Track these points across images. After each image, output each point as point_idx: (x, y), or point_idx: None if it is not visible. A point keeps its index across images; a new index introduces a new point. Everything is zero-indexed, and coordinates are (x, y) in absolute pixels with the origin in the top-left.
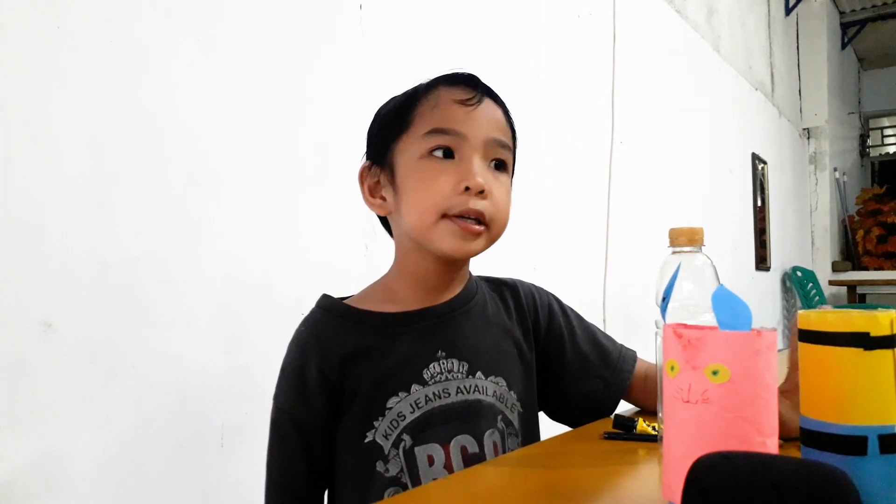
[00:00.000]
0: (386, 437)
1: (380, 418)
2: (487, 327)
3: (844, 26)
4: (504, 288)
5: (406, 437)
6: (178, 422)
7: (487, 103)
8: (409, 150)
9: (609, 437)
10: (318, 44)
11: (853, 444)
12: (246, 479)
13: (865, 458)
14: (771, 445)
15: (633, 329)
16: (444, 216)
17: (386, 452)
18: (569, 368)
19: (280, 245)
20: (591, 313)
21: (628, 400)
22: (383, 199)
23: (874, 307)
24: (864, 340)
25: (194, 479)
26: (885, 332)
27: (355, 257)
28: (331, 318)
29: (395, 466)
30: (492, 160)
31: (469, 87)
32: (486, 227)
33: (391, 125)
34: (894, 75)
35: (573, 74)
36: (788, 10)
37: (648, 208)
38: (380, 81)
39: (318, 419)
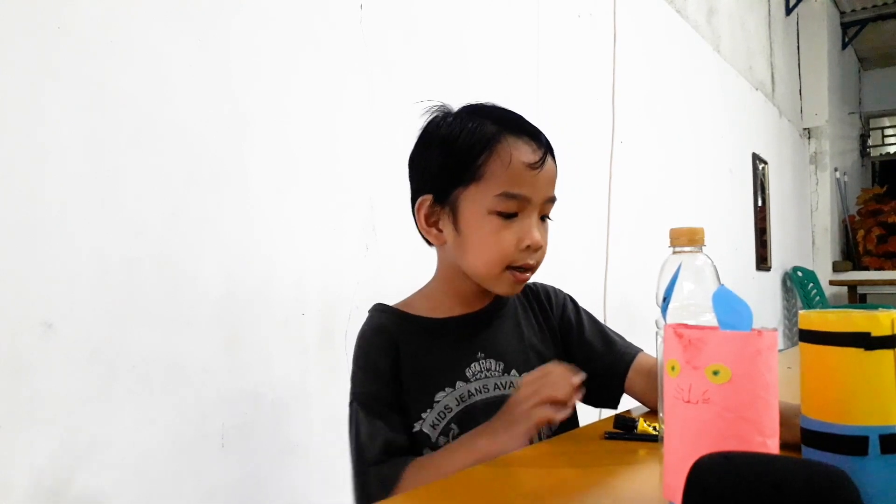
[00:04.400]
0: (433, 426)
1: (428, 410)
2: (519, 330)
3: (845, 26)
4: (530, 292)
5: (454, 426)
6: (178, 422)
7: (548, 161)
8: (477, 202)
9: (609, 437)
10: (318, 44)
11: (854, 444)
12: (246, 479)
13: (866, 458)
14: (771, 445)
15: (634, 329)
16: (507, 268)
17: (434, 440)
18: (576, 355)
19: (280, 245)
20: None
21: (633, 394)
22: (439, 230)
23: (875, 307)
24: (864, 340)
25: (194, 479)
26: (886, 332)
27: (355, 257)
28: (387, 316)
29: None
30: (541, 214)
31: (535, 142)
32: (532, 271)
33: (458, 171)
34: (894, 75)
35: (573, 74)
36: (789, 10)
37: (649, 208)
38: (379, 82)
39: (394, 389)
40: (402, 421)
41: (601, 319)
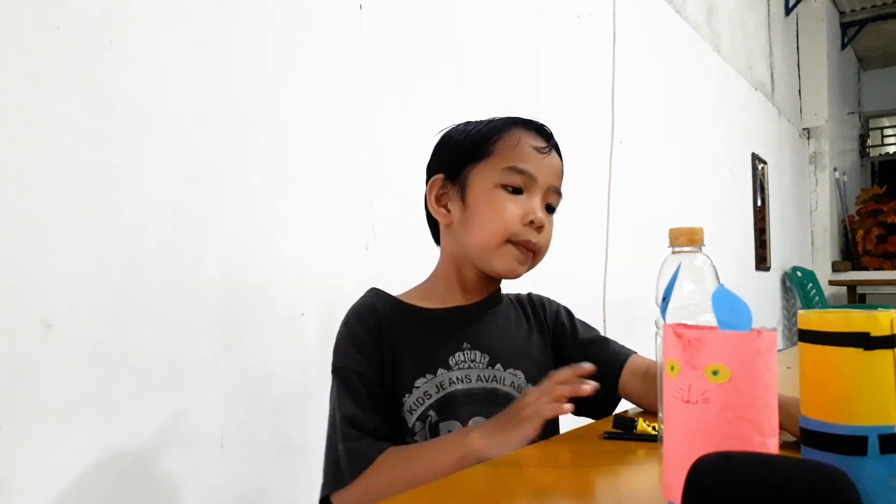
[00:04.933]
0: (411, 412)
1: (407, 395)
2: (509, 328)
3: (844, 26)
4: (525, 300)
5: (432, 413)
6: (178, 422)
7: (553, 153)
8: (485, 176)
9: (609, 437)
10: (318, 44)
11: (853, 444)
12: (246, 479)
13: (865, 458)
14: (771, 445)
15: (633, 329)
16: (508, 241)
17: (411, 426)
18: (570, 358)
19: (280, 245)
20: (591, 313)
21: (627, 395)
22: (447, 209)
23: (874, 307)
24: (864, 340)
25: (194, 479)
26: (885, 332)
27: (355, 257)
28: (377, 299)
29: (422, 438)
30: (546, 203)
31: (542, 136)
32: (533, 256)
33: (471, 150)
34: (894, 75)
35: (573, 74)
36: (788, 10)
37: (648, 208)
38: (379, 81)
39: (375, 367)
40: (379, 401)
41: (601, 320)
